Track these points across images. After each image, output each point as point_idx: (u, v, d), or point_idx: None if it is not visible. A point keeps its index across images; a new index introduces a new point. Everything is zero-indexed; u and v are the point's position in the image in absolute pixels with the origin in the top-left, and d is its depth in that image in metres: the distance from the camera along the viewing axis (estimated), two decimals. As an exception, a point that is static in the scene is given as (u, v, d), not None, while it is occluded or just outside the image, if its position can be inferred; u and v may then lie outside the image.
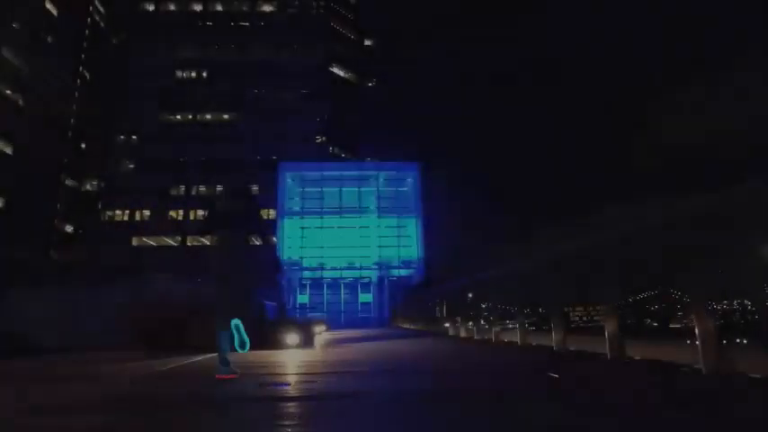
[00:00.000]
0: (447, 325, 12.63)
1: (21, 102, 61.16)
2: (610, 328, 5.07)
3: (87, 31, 74.15)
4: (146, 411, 2.94)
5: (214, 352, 7.23)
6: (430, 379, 4.29)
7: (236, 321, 4.63)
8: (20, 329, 15.41)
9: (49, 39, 66.18)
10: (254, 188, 48.28)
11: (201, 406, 3.12)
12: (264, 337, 8.43)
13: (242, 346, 4.60)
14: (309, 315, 25.01)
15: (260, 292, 12.04)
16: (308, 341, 9.28)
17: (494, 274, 8.91)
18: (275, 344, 8.36)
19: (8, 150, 58.66)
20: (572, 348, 6.19)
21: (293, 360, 6.25)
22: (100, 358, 6.65)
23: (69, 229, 69.96)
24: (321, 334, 14.60)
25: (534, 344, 7.31)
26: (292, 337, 8.42)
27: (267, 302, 11.10)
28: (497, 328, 8.90)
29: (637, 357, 4.83)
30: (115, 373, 4.74)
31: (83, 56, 72.87)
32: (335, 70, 61.87)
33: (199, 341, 7.72)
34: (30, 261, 53.90)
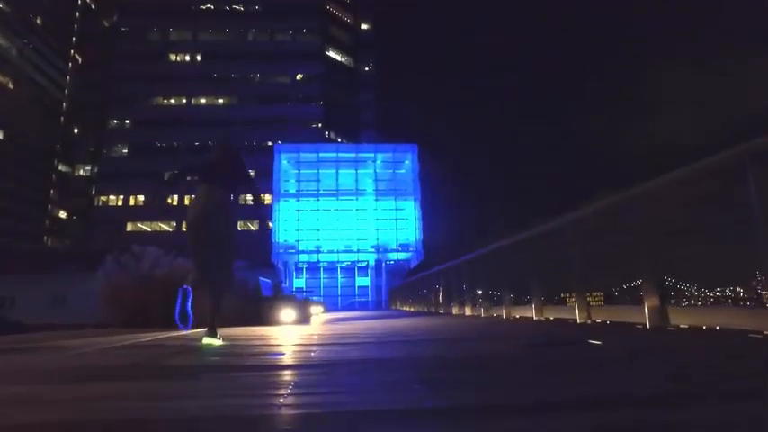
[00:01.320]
0: (452, 304, 12.04)
1: (11, 85, 59.96)
2: (649, 294, 4.46)
3: (78, 13, 72.62)
4: (83, 380, 2.30)
5: (206, 326, 6.63)
6: (459, 347, 3.65)
7: (186, 286, 3.96)
8: (6, 311, 14.91)
9: (39, 20, 64.75)
10: (251, 173, 47.61)
11: (162, 375, 2.47)
12: (259, 314, 7.84)
13: (183, 319, 3.90)
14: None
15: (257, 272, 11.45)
16: (304, 319, 8.67)
17: (505, 245, 8.29)
18: (270, 320, 7.75)
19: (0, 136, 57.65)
20: (597, 321, 5.60)
21: (289, 334, 5.62)
22: (77, 334, 6.02)
23: (63, 215, 69.14)
24: (318, 315, 14.03)
25: (552, 317, 6.73)
26: (288, 314, 7.80)
27: (262, 280, 10.48)
28: (509, 305, 8.31)
29: (683, 325, 4.22)
30: (78, 346, 4.09)
31: (73, 39, 71.44)
32: (332, 54, 60.73)
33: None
34: (23, 247, 53.21)
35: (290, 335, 5.50)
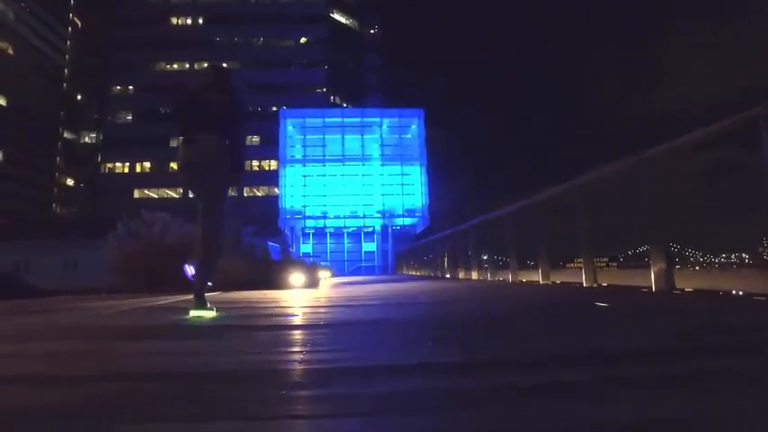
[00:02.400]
0: (458, 269, 12.17)
1: (10, 51, 59.25)
2: (656, 256, 4.50)
3: (75, -25, 71.05)
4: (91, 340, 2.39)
5: (218, 291, 6.74)
6: (469, 308, 3.74)
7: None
8: (19, 276, 15.28)
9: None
10: (255, 139, 47.42)
11: (183, 335, 2.57)
12: (268, 278, 7.97)
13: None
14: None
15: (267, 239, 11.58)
16: (313, 283, 8.82)
17: (512, 210, 8.31)
18: (279, 284, 7.89)
19: (2, 102, 57.35)
20: (603, 284, 5.67)
21: (300, 297, 5.74)
22: (93, 298, 6.17)
23: (70, 182, 69.45)
24: (326, 279, 14.23)
25: (558, 281, 6.82)
26: (297, 277, 7.93)
27: (271, 244, 10.61)
28: (515, 269, 8.39)
29: (688, 289, 4.28)
30: (96, 308, 4.21)
31: (71, 1, 70.08)
32: (336, 17, 59.36)
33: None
34: (34, 214, 53.78)
35: (301, 298, 5.62)
